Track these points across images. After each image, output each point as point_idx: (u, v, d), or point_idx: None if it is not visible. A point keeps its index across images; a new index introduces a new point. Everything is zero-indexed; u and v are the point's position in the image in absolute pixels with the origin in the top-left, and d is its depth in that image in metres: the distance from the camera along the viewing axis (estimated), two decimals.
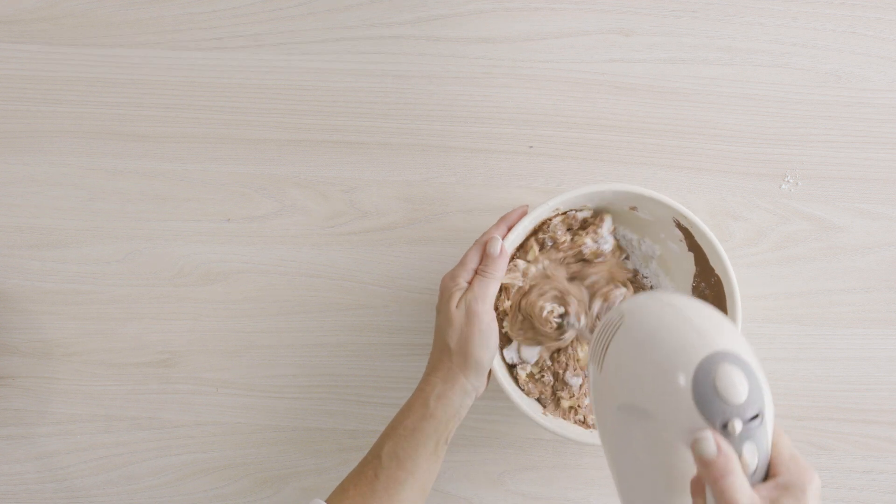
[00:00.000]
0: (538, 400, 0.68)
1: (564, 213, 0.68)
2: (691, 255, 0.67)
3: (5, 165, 0.75)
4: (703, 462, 0.41)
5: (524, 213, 0.65)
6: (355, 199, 0.74)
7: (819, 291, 0.72)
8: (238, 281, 0.74)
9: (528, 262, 0.68)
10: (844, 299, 0.72)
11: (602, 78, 0.73)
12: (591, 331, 0.66)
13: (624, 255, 0.71)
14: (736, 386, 0.42)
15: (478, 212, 0.73)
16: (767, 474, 0.43)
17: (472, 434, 0.73)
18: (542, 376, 0.68)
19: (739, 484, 0.41)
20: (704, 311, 0.47)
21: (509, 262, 0.66)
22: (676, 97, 0.73)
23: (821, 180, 0.73)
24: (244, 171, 0.75)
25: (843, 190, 0.73)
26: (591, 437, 0.65)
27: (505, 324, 0.68)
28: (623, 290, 0.68)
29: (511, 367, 0.69)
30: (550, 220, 0.68)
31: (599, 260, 0.69)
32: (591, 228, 0.68)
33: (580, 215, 0.68)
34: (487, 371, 0.62)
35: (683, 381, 0.43)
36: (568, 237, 0.68)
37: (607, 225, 0.68)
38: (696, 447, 0.42)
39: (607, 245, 0.69)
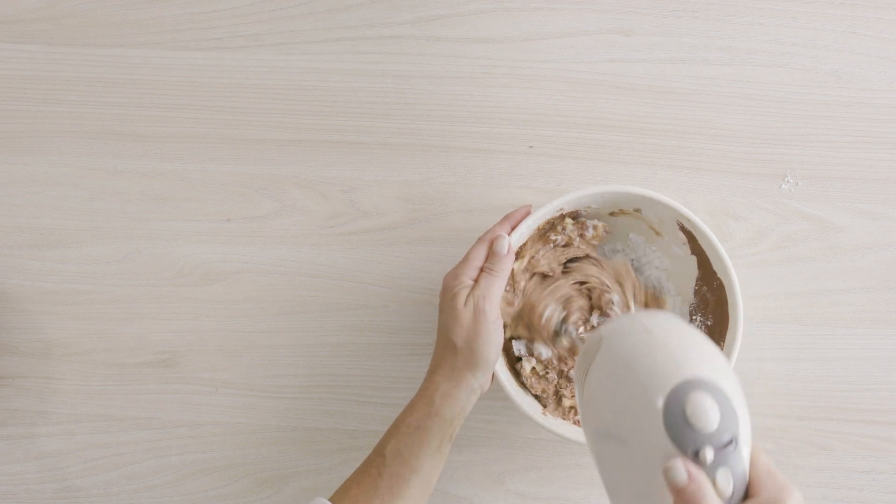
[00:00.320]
0: (539, 398, 0.68)
1: (575, 218, 0.68)
2: (694, 258, 0.67)
3: (5, 165, 0.75)
4: (675, 490, 0.41)
5: (528, 213, 0.65)
6: (355, 199, 0.74)
7: (819, 291, 0.72)
8: (238, 281, 0.74)
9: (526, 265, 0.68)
10: (844, 299, 0.72)
11: (602, 78, 0.73)
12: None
13: (630, 259, 0.71)
14: (707, 413, 0.42)
15: (478, 212, 0.74)
16: (747, 494, 0.43)
17: (473, 434, 0.73)
18: (547, 373, 0.68)
19: None
20: (683, 337, 0.47)
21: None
22: (676, 97, 0.73)
23: (821, 180, 0.73)
24: (244, 171, 0.75)
25: (843, 190, 0.73)
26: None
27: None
28: (615, 296, 0.67)
29: (517, 359, 0.69)
30: (563, 222, 0.68)
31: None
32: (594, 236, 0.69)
33: (589, 222, 0.68)
34: (493, 369, 0.62)
35: (655, 409, 0.43)
36: (577, 240, 0.69)
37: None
38: (667, 475, 0.42)
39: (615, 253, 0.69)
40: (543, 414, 0.67)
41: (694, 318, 0.69)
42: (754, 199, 0.73)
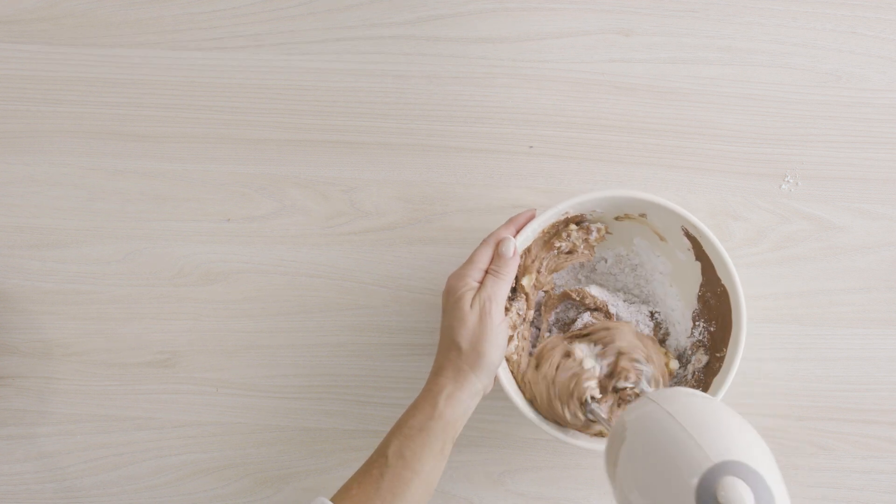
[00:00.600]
0: None
1: (579, 223, 0.67)
2: (698, 264, 0.67)
3: (5, 165, 0.75)
4: None
5: (532, 217, 0.64)
6: (355, 199, 0.74)
7: (819, 291, 0.72)
8: (238, 281, 0.74)
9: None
10: (844, 299, 0.72)
11: (602, 78, 0.73)
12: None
13: (634, 264, 0.71)
14: (741, 498, 0.41)
15: (478, 212, 0.73)
16: None
17: (473, 434, 0.73)
18: None
19: None
20: (707, 417, 0.46)
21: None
22: (676, 97, 0.73)
23: (821, 180, 0.73)
24: (244, 171, 0.75)
25: (843, 190, 0.73)
26: (589, 442, 0.65)
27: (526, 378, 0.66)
28: (642, 366, 0.64)
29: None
30: (568, 228, 0.67)
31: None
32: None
33: (593, 226, 0.68)
34: (496, 371, 0.62)
35: (687, 499, 0.42)
36: (581, 246, 0.68)
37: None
38: None
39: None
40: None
41: (697, 324, 0.68)
42: (754, 199, 0.73)
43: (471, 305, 0.60)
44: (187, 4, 0.75)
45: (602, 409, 0.63)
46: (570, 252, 0.68)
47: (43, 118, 0.75)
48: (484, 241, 0.63)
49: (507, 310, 0.65)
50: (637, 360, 0.64)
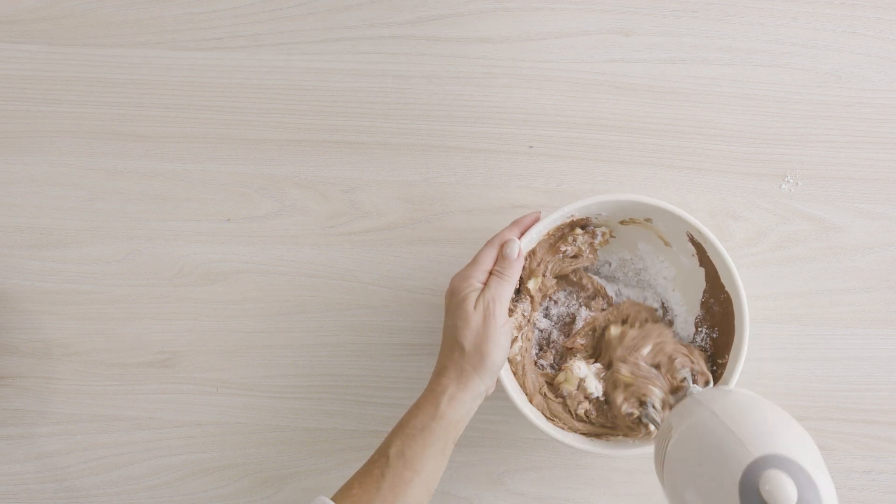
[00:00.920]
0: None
1: (584, 227, 0.67)
2: (702, 270, 0.67)
3: (5, 165, 0.75)
4: None
5: (537, 219, 0.64)
6: (355, 199, 0.74)
7: (819, 291, 0.72)
8: (238, 281, 0.74)
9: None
10: (844, 299, 0.72)
11: (602, 78, 0.73)
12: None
13: (638, 268, 0.71)
14: (783, 490, 0.41)
15: (478, 212, 0.74)
16: None
17: (473, 434, 0.73)
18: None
19: None
20: (750, 413, 0.47)
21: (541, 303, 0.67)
22: (676, 97, 0.73)
23: (821, 180, 0.73)
24: (244, 171, 0.75)
25: (843, 190, 0.73)
26: (589, 444, 0.64)
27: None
28: (683, 365, 0.65)
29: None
30: (573, 232, 0.67)
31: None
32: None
33: (598, 230, 0.68)
34: (499, 373, 0.61)
35: (731, 495, 0.42)
36: (586, 251, 0.68)
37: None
38: None
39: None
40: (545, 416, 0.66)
41: (699, 329, 0.68)
42: (754, 199, 0.73)
43: (475, 306, 0.60)
44: (187, 4, 0.75)
45: (657, 415, 0.63)
46: (574, 256, 0.68)
47: (43, 118, 0.75)
48: (488, 243, 0.63)
49: (511, 311, 0.65)
50: (690, 361, 0.65)
